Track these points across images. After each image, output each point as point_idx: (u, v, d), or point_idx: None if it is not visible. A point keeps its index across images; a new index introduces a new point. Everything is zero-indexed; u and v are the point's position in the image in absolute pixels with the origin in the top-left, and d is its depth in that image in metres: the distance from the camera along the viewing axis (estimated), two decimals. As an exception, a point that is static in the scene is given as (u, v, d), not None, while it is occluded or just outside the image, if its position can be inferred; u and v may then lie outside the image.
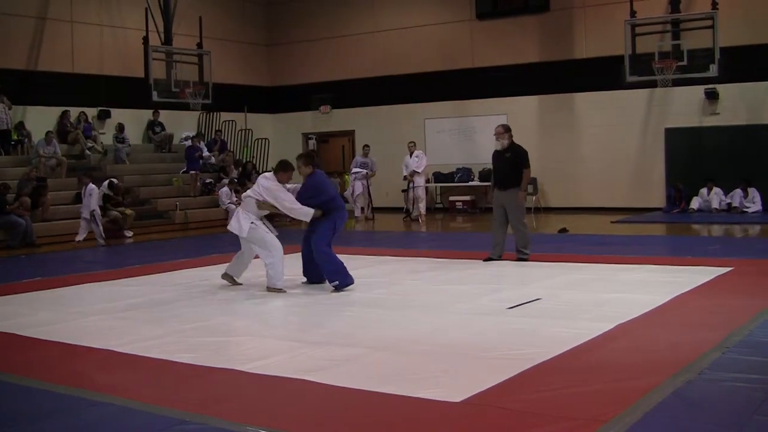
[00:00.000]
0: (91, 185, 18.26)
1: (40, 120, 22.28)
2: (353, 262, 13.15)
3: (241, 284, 11.25)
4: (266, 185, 10.75)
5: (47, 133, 21.26)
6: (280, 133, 28.83)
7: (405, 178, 23.07)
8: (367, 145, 24.03)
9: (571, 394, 5.78)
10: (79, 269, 13.16)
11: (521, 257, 12.81)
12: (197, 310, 9.65)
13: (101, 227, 18.04)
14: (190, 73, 23.70)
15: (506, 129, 13.03)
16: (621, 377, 6.17)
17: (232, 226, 10.88)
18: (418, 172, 22.63)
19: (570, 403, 5.59)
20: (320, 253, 10.74)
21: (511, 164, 12.84)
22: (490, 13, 25.07)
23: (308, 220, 10.82)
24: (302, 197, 10.80)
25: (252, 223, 10.72)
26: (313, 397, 5.94)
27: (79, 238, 18.20)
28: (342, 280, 10.61)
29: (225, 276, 11.30)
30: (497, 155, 13.13)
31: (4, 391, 6.43)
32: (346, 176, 27.45)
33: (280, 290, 10.64)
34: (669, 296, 9.43)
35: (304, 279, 11.29)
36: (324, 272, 10.80)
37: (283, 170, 10.87)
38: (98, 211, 18.14)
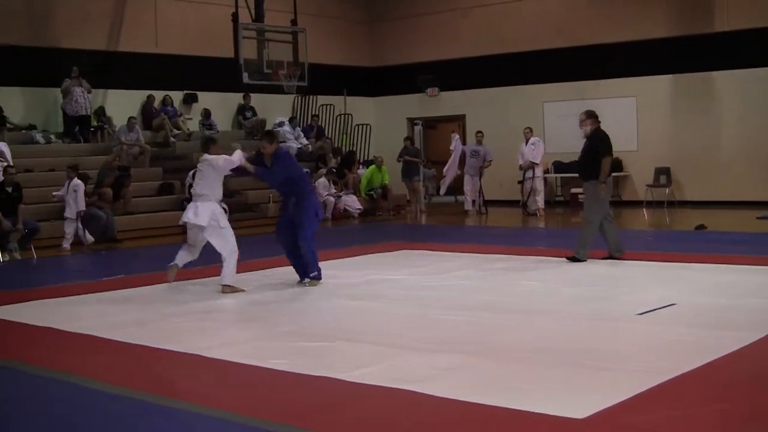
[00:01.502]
0: (77, 180, 17.41)
1: (122, 104, 22.77)
2: (461, 261, 13.18)
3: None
4: (205, 157, 11.27)
5: (129, 118, 21.72)
6: (383, 118, 28.94)
7: (521, 167, 22.94)
8: (480, 132, 23.92)
9: (710, 412, 5.67)
10: (163, 266, 13.40)
11: (575, 258, 12.77)
12: (292, 312, 9.77)
13: (85, 228, 17.42)
14: (283, 53, 23.86)
15: (589, 115, 13.14)
16: (770, 395, 6.04)
17: (188, 216, 11.21)
18: (535, 162, 22.48)
19: (710, 423, 5.49)
20: (309, 249, 11.25)
21: (588, 152, 12.93)
22: (616, -18, 24.77)
23: (238, 162, 11.19)
24: (276, 174, 11.30)
25: (213, 213, 11.15)
26: (417, 410, 5.94)
27: (66, 244, 17.15)
28: (318, 272, 11.28)
29: (172, 267, 11.60)
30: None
31: (84, 396, 6.59)
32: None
33: (235, 290, 10.99)
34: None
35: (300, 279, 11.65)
36: (308, 267, 11.27)
37: (213, 144, 11.53)
38: (84, 210, 17.35)
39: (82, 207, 17.32)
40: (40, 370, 7.39)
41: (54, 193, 17.73)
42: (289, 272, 11.54)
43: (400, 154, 24.25)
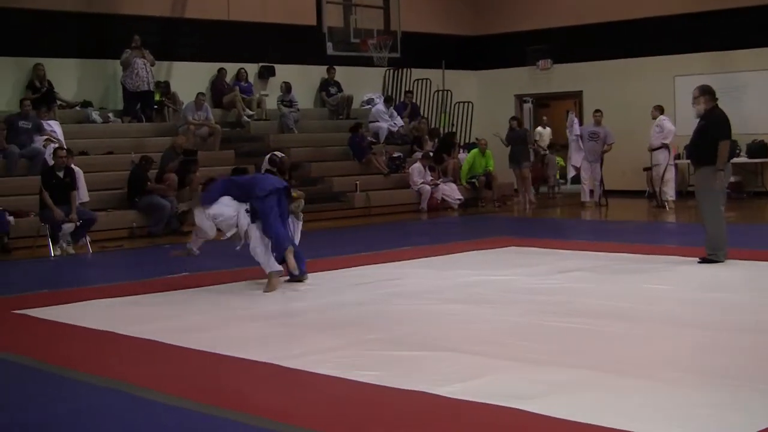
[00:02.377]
0: (74, 166, 16.94)
1: (189, 79, 22.99)
2: (577, 260, 13.06)
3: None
4: None
5: (198, 94, 21.82)
6: (487, 95, 28.84)
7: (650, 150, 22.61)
8: (598, 110, 23.65)
9: None
10: (234, 264, 13.49)
11: (709, 259, 12.51)
12: (381, 317, 9.75)
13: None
14: (373, 21, 23.93)
15: (704, 91, 12.93)
16: None
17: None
18: (665, 144, 22.15)
19: None
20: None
21: (701, 135, 12.74)
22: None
23: None
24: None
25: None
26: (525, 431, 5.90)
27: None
28: None
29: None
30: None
31: (147, 409, 6.66)
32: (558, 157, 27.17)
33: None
34: None
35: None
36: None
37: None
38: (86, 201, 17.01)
39: (85, 197, 17.19)
40: (97, 378, 7.48)
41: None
42: (376, 271, 11.52)
43: (507, 137, 24.13)
